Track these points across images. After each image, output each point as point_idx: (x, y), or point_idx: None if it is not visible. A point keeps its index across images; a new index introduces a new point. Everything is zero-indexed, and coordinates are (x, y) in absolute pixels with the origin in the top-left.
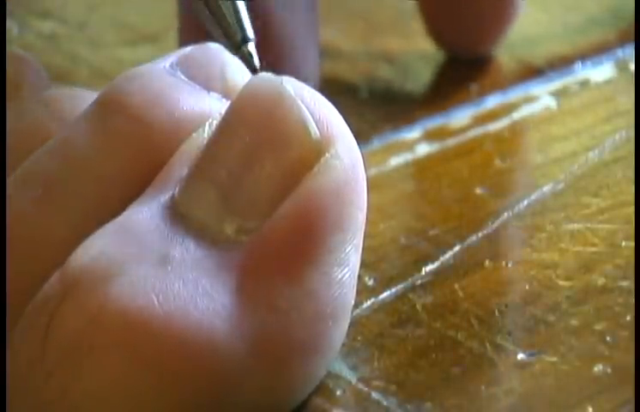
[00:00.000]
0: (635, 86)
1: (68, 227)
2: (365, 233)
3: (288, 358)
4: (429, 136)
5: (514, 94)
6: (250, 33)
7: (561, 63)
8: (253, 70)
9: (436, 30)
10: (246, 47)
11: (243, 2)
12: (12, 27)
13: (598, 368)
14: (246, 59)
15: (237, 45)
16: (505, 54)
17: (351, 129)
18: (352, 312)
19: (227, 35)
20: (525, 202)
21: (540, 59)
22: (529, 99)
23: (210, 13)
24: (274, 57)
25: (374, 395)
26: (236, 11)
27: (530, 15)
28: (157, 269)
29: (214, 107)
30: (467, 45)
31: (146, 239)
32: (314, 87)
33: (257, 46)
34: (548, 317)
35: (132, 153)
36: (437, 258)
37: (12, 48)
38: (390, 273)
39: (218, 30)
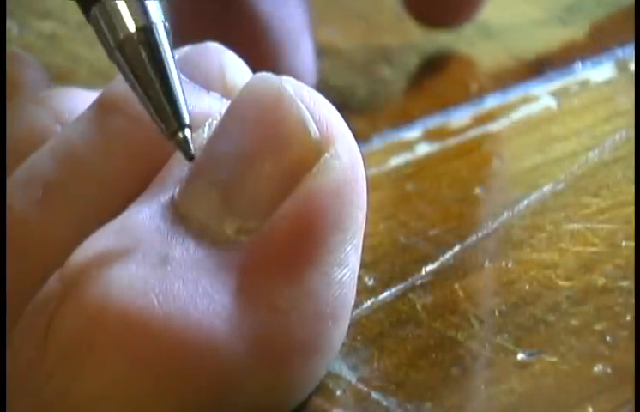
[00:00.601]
0: (635, 86)
1: (68, 228)
2: (364, 232)
3: (288, 358)
4: (429, 136)
5: (514, 94)
6: (186, 117)
7: (561, 63)
8: (189, 158)
9: (410, 2)
10: (183, 133)
11: (179, 81)
12: (12, 27)
13: (598, 368)
14: (181, 147)
15: (172, 132)
16: (503, 52)
17: (351, 129)
18: (352, 312)
19: (161, 120)
20: (525, 202)
21: (538, 55)
22: (529, 99)
23: (144, 96)
24: (266, 54)
25: (374, 395)
26: (171, 93)
27: (519, 7)
28: (157, 269)
29: (213, 107)
30: (442, 17)
31: (146, 240)
32: (310, 84)
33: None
34: (548, 317)
35: (132, 153)
36: (437, 258)
37: (12, 48)
38: (390, 273)
39: (152, 113)
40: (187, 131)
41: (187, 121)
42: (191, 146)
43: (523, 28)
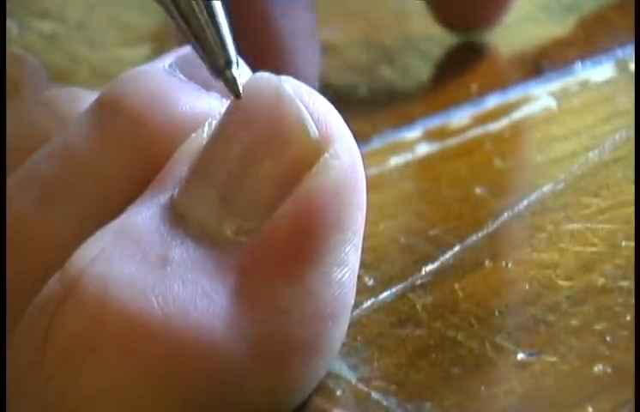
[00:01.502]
0: (635, 86)
1: (68, 228)
2: (364, 233)
3: (288, 358)
4: (429, 136)
5: (514, 94)
6: (233, 55)
7: (561, 63)
8: (236, 95)
9: (437, 7)
10: (230, 72)
11: (227, 21)
12: (12, 27)
13: (598, 368)
14: (230, 84)
15: (220, 70)
16: (503, 52)
17: (351, 129)
18: (352, 312)
19: (209, 58)
20: (525, 202)
21: (538, 55)
22: (529, 99)
23: (192, 34)
24: (273, 57)
25: (374, 395)
26: (219, 32)
27: (519, 7)
28: (156, 270)
29: (213, 107)
30: (468, 21)
31: (145, 241)
32: (313, 86)
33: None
34: (548, 317)
35: (131, 153)
36: (437, 258)
37: (12, 48)
38: (390, 273)
39: (200, 52)
40: (235, 69)
41: (235, 59)
42: (239, 84)
43: (523, 28)
